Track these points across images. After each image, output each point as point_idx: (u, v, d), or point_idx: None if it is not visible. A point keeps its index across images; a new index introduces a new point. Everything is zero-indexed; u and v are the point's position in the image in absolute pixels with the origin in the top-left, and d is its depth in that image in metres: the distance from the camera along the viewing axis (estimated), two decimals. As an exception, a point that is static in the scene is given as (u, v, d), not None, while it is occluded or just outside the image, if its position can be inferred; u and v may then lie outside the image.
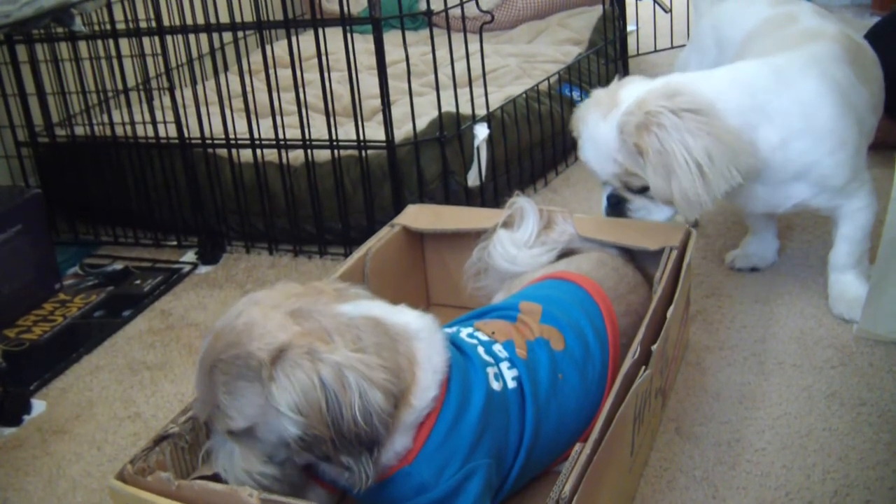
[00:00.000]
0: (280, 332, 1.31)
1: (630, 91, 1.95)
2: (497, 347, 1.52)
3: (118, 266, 2.74)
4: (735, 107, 1.92)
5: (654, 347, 1.59)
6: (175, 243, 2.83)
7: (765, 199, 2.07)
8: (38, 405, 2.10)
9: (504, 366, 1.49)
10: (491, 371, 1.46)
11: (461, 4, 2.56)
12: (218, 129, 2.67)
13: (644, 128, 1.86)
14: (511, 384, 1.48)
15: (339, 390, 1.27)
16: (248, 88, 2.59)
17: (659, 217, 2.03)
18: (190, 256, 2.74)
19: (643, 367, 1.53)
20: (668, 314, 1.69)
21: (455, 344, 1.48)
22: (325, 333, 1.32)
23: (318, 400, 1.27)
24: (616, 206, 2.05)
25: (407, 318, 1.41)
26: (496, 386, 1.45)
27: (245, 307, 1.36)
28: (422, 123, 2.59)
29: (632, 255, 1.97)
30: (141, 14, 2.63)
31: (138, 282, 2.62)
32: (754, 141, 1.93)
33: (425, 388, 1.36)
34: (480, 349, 1.50)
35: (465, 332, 1.54)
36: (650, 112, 1.85)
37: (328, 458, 1.32)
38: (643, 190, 1.99)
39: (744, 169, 1.87)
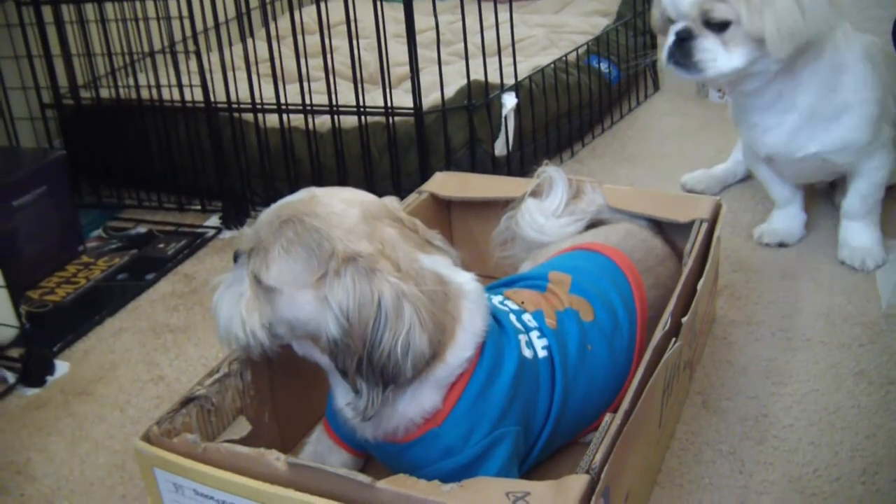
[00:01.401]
0: (366, 241, 1.32)
1: None
2: (527, 317, 1.51)
3: (142, 229, 2.74)
4: None
5: (684, 320, 1.58)
6: (199, 207, 2.82)
7: (786, 136, 2.08)
8: (62, 366, 2.10)
9: (534, 335, 1.48)
10: (522, 338, 1.45)
11: (491, -28, 2.54)
12: (244, 94, 2.65)
13: None
14: (541, 353, 1.47)
15: (392, 316, 1.27)
16: (276, 54, 2.57)
17: (723, 65, 1.98)
18: (214, 221, 2.73)
19: (673, 339, 1.52)
20: (699, 287, 1.68)
21: (489, 311, 1.47)
22: (399, 267, 1.32)
23: (368, 315, 1.27)
24: (682, 44, 2.00)
25: (462, 278, 1.41)
26: (527, 354, 1.44)
27: (348, 205, 1.37)
28: (449, 92, 2.57)
29: (660, 228, 1.95)
30: (167, -25, 2.61)
31: (162, 245, 2.61)
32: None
33: (462, 347, 1.36)
34: (512, 317, 1.49)
35: (495, 300, 1.53)
36: None
37: (344, 371, 1.32)
38: (721, 27, 1.94)
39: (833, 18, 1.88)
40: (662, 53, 2.05)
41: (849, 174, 2.18)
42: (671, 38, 2.02)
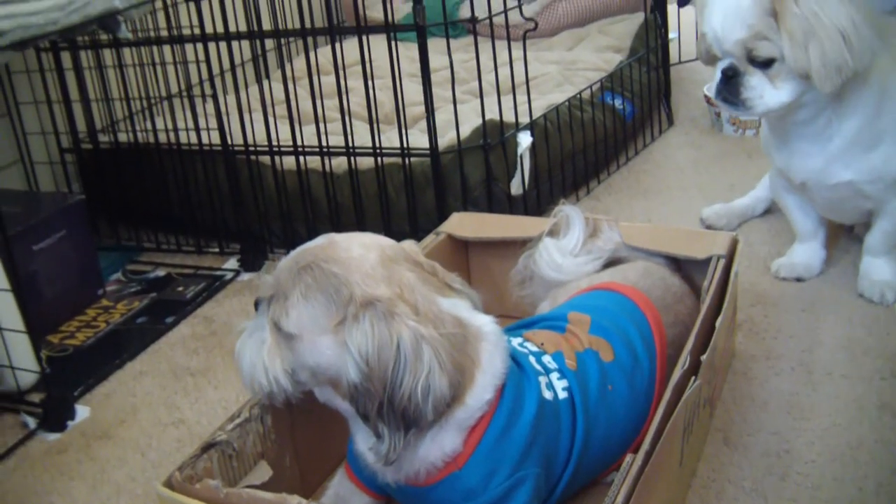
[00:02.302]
0: (385, 285, 1.33)
1: None
2: (546, 358, 1.51)
3: (160, 272, 2.75)
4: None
5: (703, 358, 1.57)
6: (217, 250, 2.83)
7: (823, 163, 2.08)
8: (82, 410, 2.11)
9: (554, 376, 1.48)
10: (542, 380, 1.45)
11: (505, 12, 2.55)
12: (261, 136, 2.67)
13: None
14: (562, 394, 1.47)
15: (411, 359, 1.28)
16: (292, 96, 2.59)
17: (770, 101, 1.99)
18: (232, 263, 2.74)
19: (693, 378, 1.52)
20: (717, 324, 1.68)
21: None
22: (418, 311, 1.33)
23: (388, 359, 1.28)
24: (730, 81, 2.00)
25: (482, 321, 1.41)
26: (548, 395, 1.44)
27: (366, 250, 1.38)
28: (465, 131, 2.58)
29: (678, 264, 1.95)
30: (184, 21, 2.63)
31: (181, 288, 2.62)
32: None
33: (482, 389, 1.36)
34: (531, 359, 1.49)
35: (515, 342, 1.53)
36: None
37: (366, 416, 1.32)
38: (767, 63, 1.95)
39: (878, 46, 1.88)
40: (711, 89, 2.07)
41: (874, 212, 2.17)
42: (718, 76, 2.03)
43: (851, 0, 1.87)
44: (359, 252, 1.37)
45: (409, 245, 1.45)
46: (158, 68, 2.76)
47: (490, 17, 2.53)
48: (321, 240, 1.42)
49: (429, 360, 1.28)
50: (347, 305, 1.32)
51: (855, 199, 2.13)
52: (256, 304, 1.46)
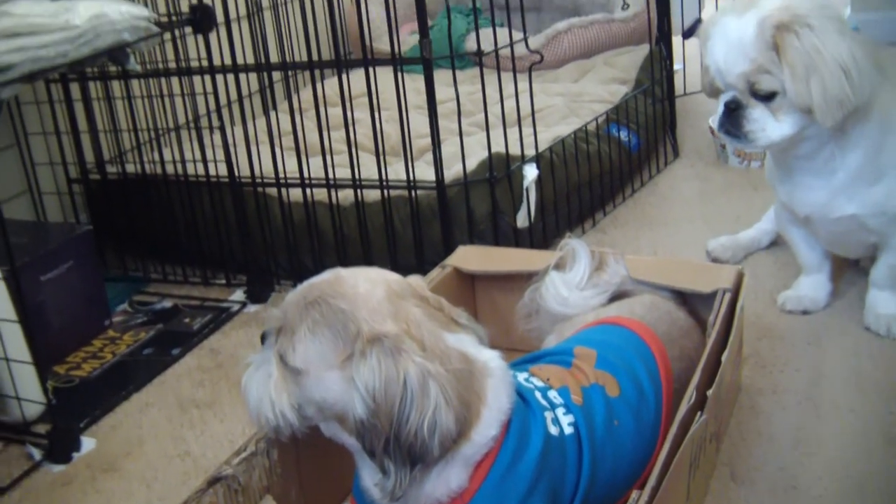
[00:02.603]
0: (391, 320, 1.34)
1: None
2: (552, 393, 1.51)
3: (167, 304, 2.76)
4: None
5: (709, 392, 1.57)
6: (224, 281, 2.84)
7: (827, 196, 2.08)
8: (88, 442, 2.11)
9: (560, 411, 1.48)
10: (548, 416, 1.45)
11: (511, 45, 2.56)
12: (268, 168, 2.68)
13: (787, 27, 1.87)
14: (568, 430, 1.46)
15: (418, 395, 1.28)
16: (298, 127, 2.60)
17: (773, 134, 1.99)
18: (239, 295, 2.74)
19: (699, 413, 1.52)
20: (723, 358, 1.68)
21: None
22: (425, 346, 1.33)
23: (395, 395, 1.28)
24: (732, 114, 2.01)
25: (487, 356, 1.41)
26: (553, 430, 1.44)
27: (373, 286, 1.38)
28: (471, 164, 2.59)
29: (684, 298, 1.95)
30: (192, 53, 2.65)
31: (187, 320, 2.63)
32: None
33: (487, 425, 1.36)
34: (537, 394, 1.49)
35: (521, 377, 1.53)
36: (797, 14, 1.87)
37: (372, 452, 1.32)
38: (769, 97, 1.96)
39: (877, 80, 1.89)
40: (714, 122, 2.08)
41: (878, 246, 2.17)
42: (721, 108, 2.04)
43: (853, 35, 1.89)
44: (365, 287, 1.38)
45: (415, 280, 1.46)
46: (166, 100, 2.78)
47: (496, 50, 2.54)
48: (328, 275, 1.42)
49: (435, 396, 1.28)
50: (355, 341, 1.32)
51: (859, 232, 2.13)
52: (263, 338, 1.46)
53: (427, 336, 1.34)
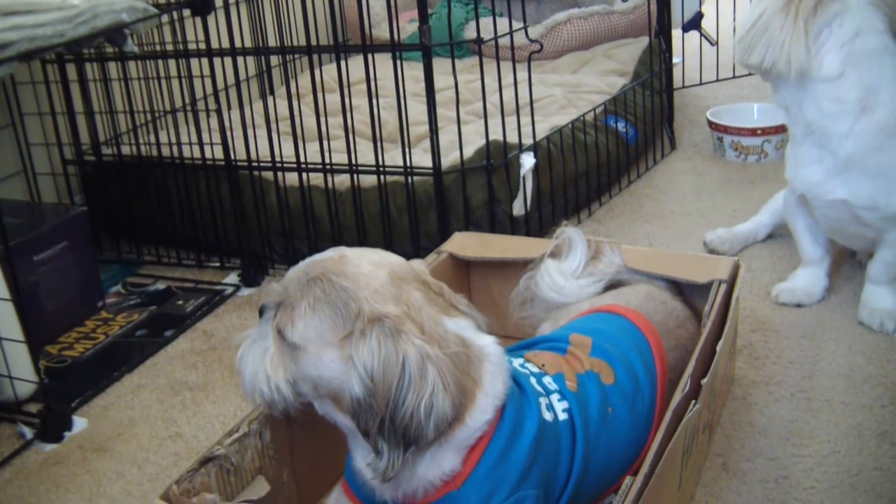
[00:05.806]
0: (393, 302, 1.34)
1: None
2: (547, 380, 1.51)
3: (160, 286, 2.75)
4: None
5: (703, 382, 1.57)
6: (218, 265, 2.83)
7: (821, 175, 2.11)
8: (80, 422, 2.11)
9: (554, 398, 1.48)
10: (543, 401, 1.45)
11: (510, 33, 2.56)
12: (264, 152, 2.67)
13: None
14: (562, 416, 1.46)
15: (416, 377, 1.28)
16: (296, 112, 2.59)
17: None
18: (232, 278, 2.74)
19: (693, 402, 1.52)
20: (718, 348, 1.68)
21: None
22: (424, 330, 1.33)
23: (393, 376, 1.28)
24: None
25: (485, 341, 1.41)
26: (548, 416, 1.44)
27: (376, 267, 1.38)
28: (468, 152, 2.58)
29: (679, 288, 1.95)
30: (190, 36, 2.64)
31: (180, 302, 2.62)
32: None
33: (482, 410, 1.36)
34: (532, 380, 1.49)
35: (516, 363, 1.53)
36: None
37: (366, 432, 1.32)
38: None
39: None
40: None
41: (876, 241, 2.18)
42: None
43: None
44: (369, 268, 1.37)
45: (417, 264, 1.46)
46: (163, 82, 2.77)
47: (496, 39, 2.53)
48: (332, 252, 1.42)
49: (433, 379, 1.28)
50: (355, 320, 1.32)
51: (854, 224, 2.14)
52: (261, 311, 1.45)
53: (426, 320, 1.34)
